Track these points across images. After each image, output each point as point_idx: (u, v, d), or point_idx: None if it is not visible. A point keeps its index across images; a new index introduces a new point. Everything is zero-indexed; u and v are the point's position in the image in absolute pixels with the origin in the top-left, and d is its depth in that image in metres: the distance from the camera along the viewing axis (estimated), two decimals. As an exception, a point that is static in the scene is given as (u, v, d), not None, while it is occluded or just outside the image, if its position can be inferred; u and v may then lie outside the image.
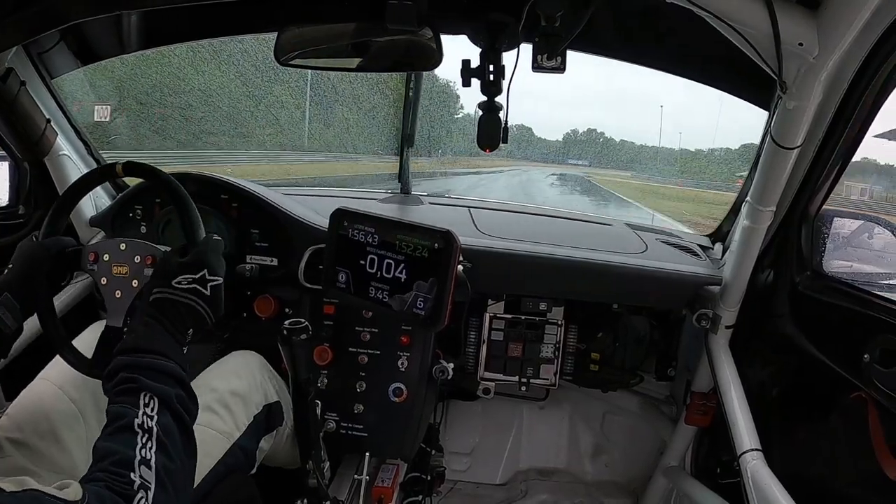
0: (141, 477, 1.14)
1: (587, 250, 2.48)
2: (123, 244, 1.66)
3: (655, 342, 2.73)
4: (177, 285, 1.47)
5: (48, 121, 2.33)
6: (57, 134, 2.39)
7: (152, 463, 1.17)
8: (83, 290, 2.50)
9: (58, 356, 1.77)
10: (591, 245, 2.54)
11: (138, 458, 1.16)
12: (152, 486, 1.16)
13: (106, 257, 1.66)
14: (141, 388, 1.26)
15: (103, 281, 1.67)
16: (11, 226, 2.43)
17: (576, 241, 2.57)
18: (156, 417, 1.24)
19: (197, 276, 1.49)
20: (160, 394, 1.27)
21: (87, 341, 1.78)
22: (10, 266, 1.63)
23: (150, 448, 1.19)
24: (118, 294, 1.65)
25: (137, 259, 1.64)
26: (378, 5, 1.63)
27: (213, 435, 1.79)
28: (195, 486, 1.57)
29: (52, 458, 1.64)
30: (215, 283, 1.52)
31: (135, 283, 1.64)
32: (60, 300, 2.36)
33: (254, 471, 1.98)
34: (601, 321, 2.68)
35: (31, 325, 1.89)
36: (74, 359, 1.68)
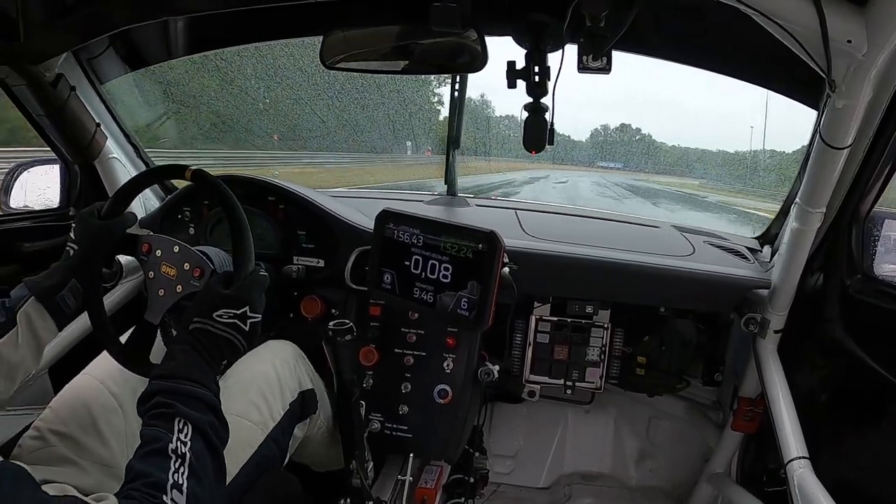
0: (172, 500, 1.16)
1: (634, 253, 2.46)
2: (177, 247, 1.68)
3: (702, 346, 2.69)
4: (217, 318, 1.47)
5: (98, 125, 2.39)
6: (106, 137, 2.45)
7: (184, 488, 1.19)
8: (131, 292, 2.54)
9: (103, 353, 1.81)
10: (638, 247, 2.52)
11: (171, 482, 1.18)
12: None
13: (158, 253, 1.69)
14: (176, 413, 1.28)
15: (151, 275, 1.69)
16: (63, 227, 2.47)
17: (623, 243, 2.55)
18: (189, 444, 1.26)
19: (238, 312, 1.49)
20: (194, 420, 1.29)
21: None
22: (76, 245, 1.67)
23: (183, 473, 1.21)
24: (161, 293, 1.67)
25: (186, 266, 1.65)
26: (422, 7, 1.63)
27: (249, 426, 1.82)
28: (234, 477, 1.62)
29: (93, 450, 1.68)
30: (255, 320, 1.52)
31: (179, 288, 1.66)
32: (109, 300, 2.42)
33: (286, 461, 2.00)
34: (648, 325, 2.66)
35: (79, 325, 1.94)
36: (113, 347, 1.72)
